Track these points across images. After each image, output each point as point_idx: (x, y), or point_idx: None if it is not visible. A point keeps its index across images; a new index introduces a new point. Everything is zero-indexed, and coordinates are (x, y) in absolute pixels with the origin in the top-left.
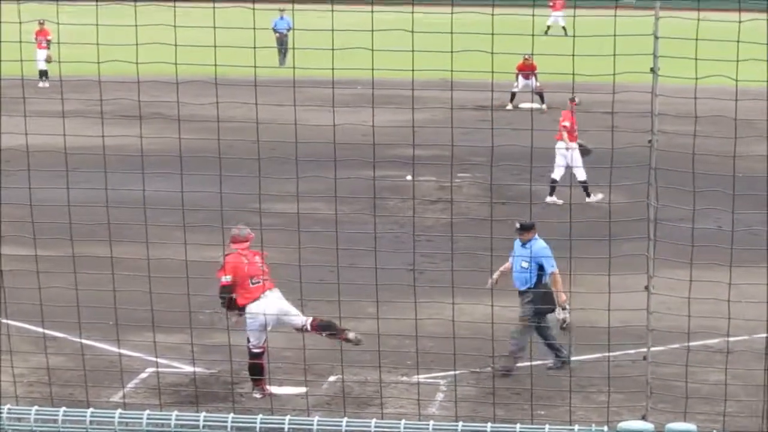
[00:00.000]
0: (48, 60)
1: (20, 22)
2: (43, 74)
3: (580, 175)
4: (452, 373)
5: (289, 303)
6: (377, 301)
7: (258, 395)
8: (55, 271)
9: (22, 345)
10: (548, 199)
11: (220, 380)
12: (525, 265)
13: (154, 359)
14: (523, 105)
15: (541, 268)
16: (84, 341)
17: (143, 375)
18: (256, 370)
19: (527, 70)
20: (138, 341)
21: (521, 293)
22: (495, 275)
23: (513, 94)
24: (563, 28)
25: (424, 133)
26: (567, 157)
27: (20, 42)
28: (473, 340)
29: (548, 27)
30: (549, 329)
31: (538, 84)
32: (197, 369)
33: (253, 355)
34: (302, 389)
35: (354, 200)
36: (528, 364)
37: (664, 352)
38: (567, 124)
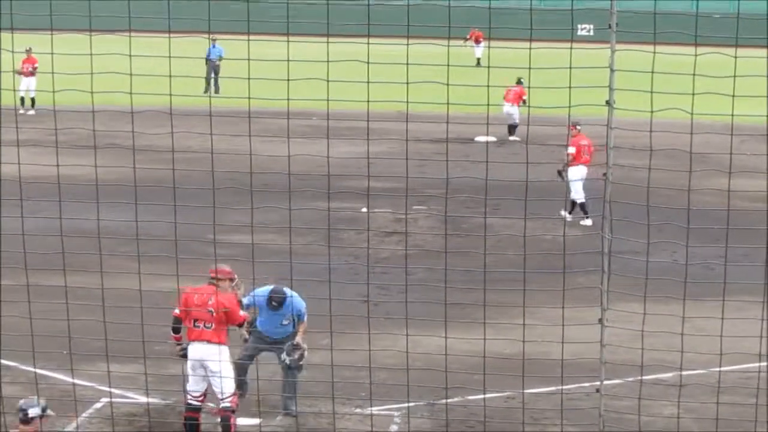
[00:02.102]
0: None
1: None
2: (31, 101)
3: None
4: (406, 405)
5: (221, 376)
6: (331, 332)
7: None
8: (9, 300)
9: None
10: (586, 221)
11: (175, 410)
12: (286, 321)
13: (108, 389)
14: (478, 138)
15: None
16: (38, 371)
17: (98, 405)
18: (191, 428)
19: (521, 95)
20: (93, 371)
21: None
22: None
23: (509, 127)
24: (478, 59)
25: (380, 165)
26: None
27: None
28: (427, 372)
29: (478, 60)
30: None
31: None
32: (152, 399)
33: (189, 408)
34: (256, 420)
35: (309, 231)
36: (482, 396)
37: (618, 386)
38: (572, 150)
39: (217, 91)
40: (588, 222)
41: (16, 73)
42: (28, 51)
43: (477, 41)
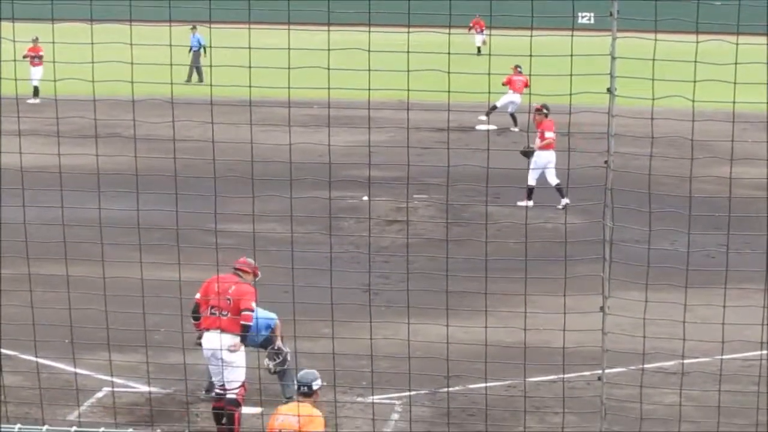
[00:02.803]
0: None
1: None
2: (34, 90)
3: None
4: (407, 393)
5: (230, 365)
6: (332, 320)
7: None
8: (10, 289)
9: None
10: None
11: (176, 400)
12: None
13: (109, 378)
14: (479, 127)
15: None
16: (39, 360)
17: (99, 394)
18: (221, 419)
19: (523, 85)
20: (94, 360)
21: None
22: None
23: (512, 115)
24: (478, 48)
25: (381, 153)
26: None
27: None
28: (428, 361)
29: (479, 48)
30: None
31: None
32: (153, 388)
33: (215, 398)
34: (258, 409)
35: (310, 220)
36: (483, 385)
37: (620, 374)
38: (553, 135)
39: (201, 80)
40: (530, 203)
41: (23, 57)
42: (35, 40)
43: (480, 30)
